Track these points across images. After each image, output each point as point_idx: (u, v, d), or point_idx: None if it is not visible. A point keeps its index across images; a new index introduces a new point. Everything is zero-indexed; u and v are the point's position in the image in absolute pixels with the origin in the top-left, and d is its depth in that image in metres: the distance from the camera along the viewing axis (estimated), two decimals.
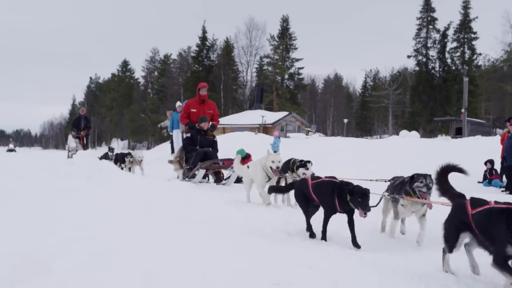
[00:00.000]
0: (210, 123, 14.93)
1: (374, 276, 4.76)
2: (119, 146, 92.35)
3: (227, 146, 20.78)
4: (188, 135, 14.62)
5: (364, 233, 6.86)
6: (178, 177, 14.82)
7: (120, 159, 18.60)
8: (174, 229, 6.12)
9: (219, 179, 14.35)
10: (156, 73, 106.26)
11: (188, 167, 13.97)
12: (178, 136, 21.64)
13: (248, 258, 5.05)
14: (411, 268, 5.05)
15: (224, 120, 65.89)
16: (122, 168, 17.85)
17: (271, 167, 9.66)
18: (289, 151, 27.88)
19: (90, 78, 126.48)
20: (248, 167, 10.81)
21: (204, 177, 14.42)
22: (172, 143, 22.61)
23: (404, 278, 4.75)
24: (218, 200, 10.09)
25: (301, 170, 9.85)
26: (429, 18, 78.80)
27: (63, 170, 12.79)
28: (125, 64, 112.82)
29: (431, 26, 78.64)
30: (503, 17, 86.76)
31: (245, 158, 16.53)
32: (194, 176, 13.57)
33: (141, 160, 17.62)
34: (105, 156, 19.77)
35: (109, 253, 4.56)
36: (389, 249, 6.16)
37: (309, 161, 10.09)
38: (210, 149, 14.28)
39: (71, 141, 25.58)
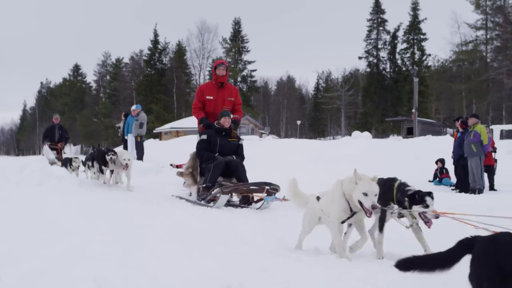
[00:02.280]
0: (232, 117, 11.12)
1: (323, 277, 4.78)
2: (71, 151, 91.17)
3: (181, 149, 20.69)
4: (204, 136, 10.74)
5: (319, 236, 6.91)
6: (190, 195, 11.04)
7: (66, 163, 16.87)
8: (126, 234, 6.08)
9: (246, 199, 10.19)
10: (108, 77, 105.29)
11: (205, 185, 9.99)
12: (132, 141, 21.43)
13: (199, 261, 5.03)
14: (364, 270, 5.09)
15: (177, 124, 65.84)
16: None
17: (360, 202, 5.44)
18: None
19: (41, 83, 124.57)
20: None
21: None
22: (125, 148, 21.98)
23: (354, 278, 4.78)
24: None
25: (417, 209, 5.71)
26: (379, 20, 79.74)
27: (13, 176, 12.57)
28: (76, 68, 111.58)
29: (381, 28, 79.59)
30: (451, 18, 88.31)
31: None
32: (213, 199, 9.65)
33: (127, 164, 12.02)
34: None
35: (57, 260, 4.51)
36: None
37: (429, 193, 5.84)
38: (234, 157, 10.39)
39: (49, 153, 20.06)
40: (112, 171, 12.85)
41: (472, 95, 67.92)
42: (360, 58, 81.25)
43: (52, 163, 19.35)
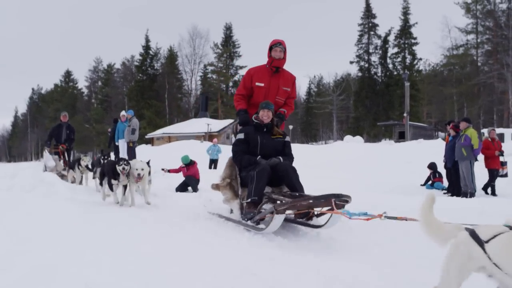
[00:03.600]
0: (279, 110, 8.99)
1: (314, 281, 4.77)
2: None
3: (173, 155, 20.70)
4: (240, 135, 8.39)
5: (307, 237, 6.92)
6: (231, 212, 8.68)
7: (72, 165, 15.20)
8: (115, 238, 6.07)
9: (306, 213, 7.38)
10: (99, 83, 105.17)
11: (250, 200, 7.51)
12: (124, 147, 21.31)
13: (189, 265, 5.01)
14: (353, 275, 5.08)
15: (169, 129, 65.88)
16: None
17: None
18: None
19: (33, 89, 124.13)
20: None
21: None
22: (117, 154, 21.77)
23: (345, 283, 4.77)
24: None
25: None
26: (370, 24, 79.97)
27: (4, 182, 12.54)
28: (68, 74, 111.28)
29: (372, 32, 79.81)
30: (441, 22, 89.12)
31: (189, 165, 16.45)
32: (262, 219, 7.24)
33: (142, 175, 9.76)
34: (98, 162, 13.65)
35: (49, 266, 4.50)
36: (332, 254, 6.18)
37: None
38: (281, 158, 8.11)
39: (49, 159, 18.27)
40: (125, 187, 10.14)
41: (463, 99, 68.21)
42: (351, 62, 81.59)
43: (50, 171, 17.49)
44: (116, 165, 9.76)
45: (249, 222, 7.48)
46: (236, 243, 6.54)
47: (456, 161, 15.89)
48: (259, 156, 8.07)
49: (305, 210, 7.10)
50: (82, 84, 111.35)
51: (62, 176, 16.55)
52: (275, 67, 8.83)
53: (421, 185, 18.33)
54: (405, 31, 76.73)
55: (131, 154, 20.34)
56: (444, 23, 74.53)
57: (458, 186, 15.89)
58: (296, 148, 35.93)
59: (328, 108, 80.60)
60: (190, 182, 15.64)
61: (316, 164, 25.03)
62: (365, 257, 5.97)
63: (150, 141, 64.79)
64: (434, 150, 22.62)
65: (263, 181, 7.60)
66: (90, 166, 14.75)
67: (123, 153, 20.70)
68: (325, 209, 6.90)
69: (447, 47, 72.23)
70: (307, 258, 5.64)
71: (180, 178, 16.03)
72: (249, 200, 7.53)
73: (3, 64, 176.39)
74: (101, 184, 10.83)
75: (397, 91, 72.89)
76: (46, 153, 18.37)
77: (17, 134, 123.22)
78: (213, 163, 26.44)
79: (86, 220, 7.53)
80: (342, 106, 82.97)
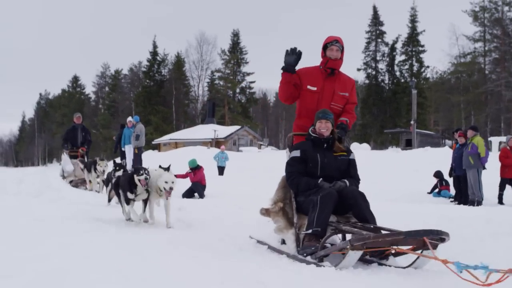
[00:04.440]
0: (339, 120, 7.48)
1: None
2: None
3: (180, 161, 20.68)
4: (296, 153, 6.87)
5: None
6: (283, 243, 6.93)
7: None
8: (122, 246, 6.05)
9: (381, 252, 6.01)
10: (107, 89, 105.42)
11: (311, 231, 6.11)
12: (130, 152, 21.34)
13: (194, 272, 4.99)
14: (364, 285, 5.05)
15: (176, 135, 65.84)
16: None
17: None
18: (242, 165, 27.94)
19: (40, 94, 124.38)
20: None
21: None
22: (123, 158, 21.76)
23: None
24: None
25: None
26: (377, 32, 79.85)
27: (12, 187, 12.59)
28: (75, 79, 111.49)
29: (379, 40, 79.68)
30: (449, 30, 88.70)
31: (196, 169, 16.43)
32: (326, 254, 5.90)
33: (172, 188, 8.05)
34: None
35: (56, 272, 4.49)
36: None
37: None
38: (346, 182, 6.64)
39: (67, 163, 17.38)
40: (145, 201, 8.40)
41: (471, 107, 67.94)
42: (358, 70, 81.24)
43: (68, 175, 17.29)
44: (135, 175, 8.06)
45: (308, 258, 5.96)
46: (249, 252, 6.42)
47: (465, 169, 15.86)
48: (321, 179, 6.57)
49: (383, 248, 5.67)
50: (89, 89, 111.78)
51: (77, 184, 16.39)
52: (330, 68, 7.42)
53: (428, 193, 18.25)
54: (413, 38, 76.58)
55: (137, 160, 20.37)
56: (451, 31, 73.98)
57: (465, 194, 15.85)
58: None
59: None
60: (196, 188, 15.66)
61: None
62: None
63: (157, 147, 64.81)
64: (441, 158, 22.56)
65: (328, 209, 6.14)
66: (106, 171, 13.09)
67: (129, 159, 20.73)
68: (405, 249, 5.52)
69: (454, 55, 72.09)
70: (318, 266, 5.58)
71: (185, 183, 16.01)
72: (309, 231, 6.10)
73: (11, 70, 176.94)
74: (119, 198, 8.84)
75: (404, 98, 72.68)
76: (64, 157, 17.72)
77: (24, 139, 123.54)
78: (221, 170, 26.39)
79: (94, 227, 7.52)
80: None
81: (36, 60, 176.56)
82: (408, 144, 52.62)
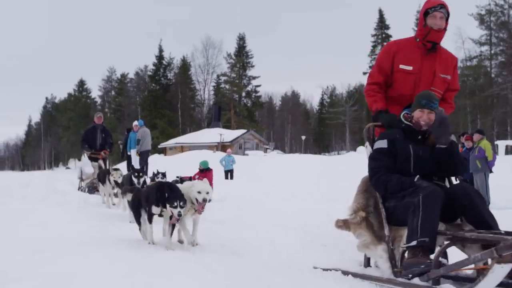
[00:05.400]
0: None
1: None
2: (76, 166, 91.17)
3: (186, 165, 20.72)
4: (382, 144, 5.37)
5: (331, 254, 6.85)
6: (367, 265, 5.62)
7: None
8: (129, 249, 6.05)
9: None
10: (113, 93, 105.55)
11: (415, 242, 4.49)
12: (136, 156, 21.38)
13: (202, 277, 4.97)
14: None
15: (182, 139, 65.85)
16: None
17: None
18: (248, 169, 27.93)
19: (46, 98, 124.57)
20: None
21: None
22: (130, 163, 21.74)
23: None
24: None
25: None
26: (383, 35, 79.97)
27: (18, 192, 12.61)
28: (81, 83, 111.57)
29: (385, 43, 79.57)
30: (455, 33, 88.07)
31: (206, 170, 16.40)
32: (447, 274, 4.58)
33: (205, 200, 6.43)
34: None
35: (63, 276, 4.49)
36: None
37: None
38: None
39: (87, 165, 16.41)
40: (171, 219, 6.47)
41: (477, 110, 67.77)
42: (364, 73, 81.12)
43: (87, 177, 16.48)
44: (170, 205, 6.20)
45: (417, 281, 4.44)
46: (257, 259, 6.10)
47: (471, 173, 15.83)
48: (418, 176, 4.93)
49: None
50: (95, 93, 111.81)
51: (93, 185, 15.51)
52: (431, 42, 5.67)
53: None
54: None
55: (143, 164, 20.38)
56: (457, 34, 73.61)
57: None
58: (309, 159, 35.89)
59: (341, 118, 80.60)
60: None
61: (328, 174, 25.00)
62: None
63: (163, 151, 64.88)
64: None
65: (436, 212, 4.55)
66: (119, 182, 11.61)
67: (135, 163, 20.75)
68: None
69: (460, 58, 71.85)
70: (327, 272, 5.51)
71: None
72: (413, 243, 4.50)
73: (17, 74, 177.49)
74: (135, 215, 7.07)
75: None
76: (84, 158, 16.65)
77: (31, 143, 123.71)
78: (229, 173, 26.35)
79: (99, 229, 7.51)
80: (355, 117, 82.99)
81: (42, 64, 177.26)
82: None
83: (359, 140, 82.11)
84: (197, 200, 6.41)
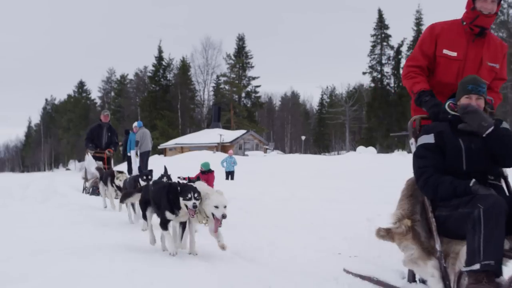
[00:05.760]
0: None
1: None
2: (76, 167, 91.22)
3: (186, 165, 20.69)
4: (428, 138, 4.69)
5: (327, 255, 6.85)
6: (413, 280, 5.01)
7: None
8: (129, 251, 6.05)
9: None
10: (112, 94, 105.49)
11: (478, 266, 3.63)
12: (135, 158, 21.35)
13: (203, 278, 4.97)
14: None
15: (182, 140, 65.84)
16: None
17: None
18: (248, 169, 27.91)
19: (46, 99, 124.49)
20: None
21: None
22: (130, 164, 21.75)
23: None
24: None
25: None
26: (383, 35, 79.87)
27: (18, 193, 12.62)
28: (81, 85, 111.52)
29: (385, 43, 79.73)
30: None
31: (208, 172, 16.35)
32: None
33: (224, 217, 5.73)
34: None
35: (61, 279, 4.50)
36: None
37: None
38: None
39: (91, 164, 15.50)
40: (184, 225, 6.43)
41: None
42: (364, 73, 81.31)
43: (92, 177, 15.51)
44: (183, 198, 5.85)
45: None
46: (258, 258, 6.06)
47: None
48: (474, 180, 4.24)
49: None
50: (95, 94, 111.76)
51: (97, 184, 13.86)
52: (479, 27, 5.11)
53: None
54: None
55: (143, 165, 20.35)
56: None
57: None
58: (309, 159, 35.91)
59: (341, 118, 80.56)
60: None
61: (328, 174, 24.98)
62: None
63: (163, 152, 64.91)
64: None
65: (500, 229, 3.76)
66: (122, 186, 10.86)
67: (135, 164, 20.73)
68: None
69: None
70: (325, 272, 5.53)
71: None
72: (475, 267, 3.68)
73: (17, 75, 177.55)
74: (144, 217, 6.82)
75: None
76: (88, 157, 15.90)
77: (31, 144, 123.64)
78: (230, 174, 26.29)
79: (100, 230, 7.52)
80: (354, 117, 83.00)
81: (42, 66, 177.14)
82: None
83: (359, 139, 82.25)
84: (213, 214, 5.80)
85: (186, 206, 5.80)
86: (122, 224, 8.50)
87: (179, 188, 5.94)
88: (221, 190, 6.05)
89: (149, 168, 17.19)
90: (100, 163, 14.91)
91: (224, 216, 5.72)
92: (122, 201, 8.75)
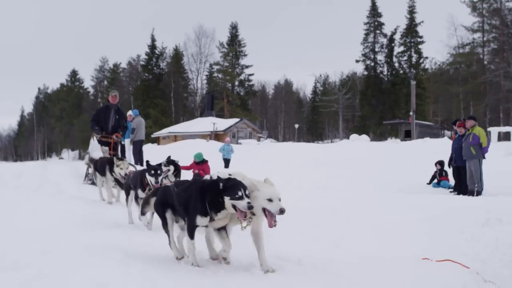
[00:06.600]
0: None
1: None
2: (69, 156, 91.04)
3: (179, 154, 20.64)
4: None
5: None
6: None
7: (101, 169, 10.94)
8: (123, 237, 6.06)
9: None
10: (105, 82, 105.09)
11: None
12: (129, 146, 21.31)
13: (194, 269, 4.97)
14: None
15: (175, 128, 65.75)
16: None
17: None
18: (241, 157, 27.91)
19: (39, 88, 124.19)
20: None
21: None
22: (123, 152, 21.45)
23: None
24: None
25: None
26: (376, 23, 79.82)
27: (11, 182, 12.60)
28: (74, 73, 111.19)
29: (378, 31, 79.70)
30: (447, 21, 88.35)
31: (202, 162, 16.30)
32: None
33: (282, 212, 4.83)
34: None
35: (57, 265, 4.51)
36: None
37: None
38: None
39: (95, 149, 14.81)
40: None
41: (470, 98, 67.96)
42: (357, 61, 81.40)
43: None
44: (231, 197, 4.85)
45: None
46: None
47: (465, 160, 15.81)
48: None
49: None
50: (88, 83, 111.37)
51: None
52: None
53: (427, 183, 18.22)
54: (411, 29, 76.64)
55: (137, 154, 20.32)
56: (450, 21, 73.61)
57: (465, 185, 15.84)
58: (302, 147, 35.92)
59: (334, 107, 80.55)
60: None
61: (322, 162, 25.01)
62: None
63: (156, 141, 64.82)
64: (440, 148, 22.57)
65: None
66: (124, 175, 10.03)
67: (129, 152, 20.70)
68: None
69: (453, 45, 71.98)
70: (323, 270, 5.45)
71: (187, 175, 15.91)
72: None
73: (9, 64, 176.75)
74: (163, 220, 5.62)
75: (403, 89, 72.79)
76: (93, 141, 15.15)
77: (23, 133, 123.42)
78: (225, 162, 26.27)
79: (93, 221, 7.51)
80: (348, 105, 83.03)
81: (35, 55, 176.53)
82: (407, 135, 52.78)
83: (352, 127, 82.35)
84: (266, 211, 4.93)
85: (234, 207, 4.86)
86: (115, 212, 8.50)
87: (221, 185, 4.94)
88: (270, 179, 5.24)
89: (144, 159, 17.01)
90: (106, 148, 13.86)
91: (282, 211, 4.83)
92: (143, 211, 6.93)
